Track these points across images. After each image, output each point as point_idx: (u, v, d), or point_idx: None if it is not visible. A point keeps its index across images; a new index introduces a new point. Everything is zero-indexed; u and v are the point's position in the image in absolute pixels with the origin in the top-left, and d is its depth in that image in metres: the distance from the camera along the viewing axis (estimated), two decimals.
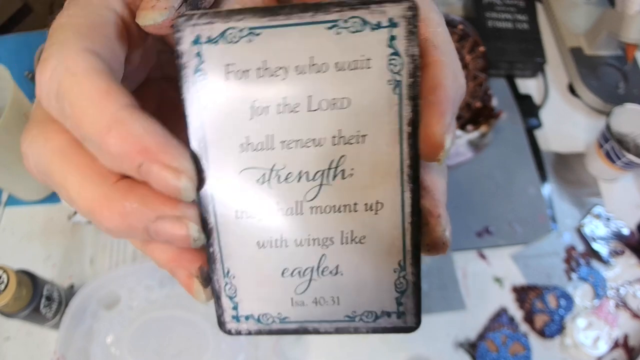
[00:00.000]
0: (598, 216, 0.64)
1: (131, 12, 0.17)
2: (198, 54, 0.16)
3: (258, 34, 0.16)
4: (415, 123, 0.16)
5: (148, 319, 0.52)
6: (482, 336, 0.55)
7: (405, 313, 0.18)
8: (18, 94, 0.52)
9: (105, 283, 0.52)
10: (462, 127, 0.64)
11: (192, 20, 0.16)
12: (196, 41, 0.16)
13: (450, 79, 0.16)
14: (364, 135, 0.17)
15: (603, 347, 0.55)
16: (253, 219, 0.18)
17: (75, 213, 0.60)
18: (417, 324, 0.19)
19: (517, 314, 0.57)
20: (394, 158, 0.17)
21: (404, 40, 0.16)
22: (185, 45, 0.16)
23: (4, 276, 0.44)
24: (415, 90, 0.16)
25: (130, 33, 0.18)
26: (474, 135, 0.62)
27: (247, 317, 0.19)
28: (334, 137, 0.17)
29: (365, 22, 0.16)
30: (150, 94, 0.21)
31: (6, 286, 0.44)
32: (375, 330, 0.19)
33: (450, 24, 0.64)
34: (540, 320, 0.57)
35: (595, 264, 0.61)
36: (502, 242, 0.61)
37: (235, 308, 0.19)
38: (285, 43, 0.16)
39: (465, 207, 0.63)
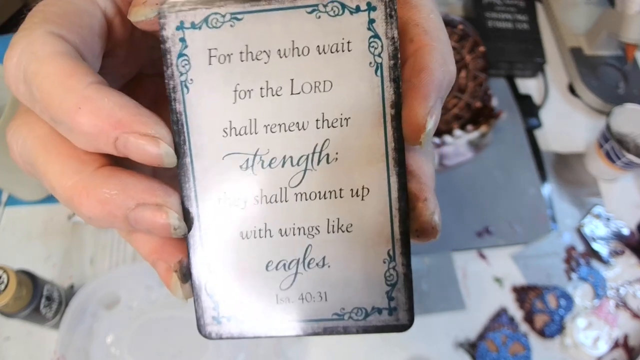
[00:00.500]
0: (598, 216, 0.64)
1: (115, 5, 0.17)
2: (181, 39, 0.17)
3: (240, 19, 0.16)
4: (398, 105, 0.16)
5: (148, 319, 0.52)
6: (482, 336, 0.55)
7: (397, 309, 0.18)
8: None
9: (105, 283, 0.52)
10: (462, 127, 0.64)
11: (176, 7, 0.17)
12: (180, 27, 0.17)
13: (438, 63, 0.16)
14: (348, 119, 0.17)
15: (603, 347, 0.55)
16: (236, 207, 0.17)
17: (75, 213, 0.60)
18: (410, 321, 0.18)
19: (517, 314, 0.57)
20: (378, 141, 0.17)
21: (383, 23, 0.16)
22: (169, 31, 0.17)
23: (4, 276, 0.44)
24: (397, 72, 0.16)
25: (113, 26, 0.18)
26: (474, 135, 0.62)
27: (228, 318, 0.18)
28: (317, 120, 0.17)
29: (344, 6, 0.16)
30: (145, 90, 0.21)
31: (6, 286, 0.44)
32: (366, 330, 0.18)
33: (450, 24, 0.64)
34: (540, 320, 0.57)
35: (595, 264, 0.61)
36: (502, 242, 0.61)
37: (216, 308, 0.18)
38: (267, 27, 0.16)
39: (465, 207, 0.63)
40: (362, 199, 0.17)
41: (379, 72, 0.16)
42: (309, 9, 0.16)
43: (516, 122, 0.69)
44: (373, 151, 0.17)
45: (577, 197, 0.66)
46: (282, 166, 0.17)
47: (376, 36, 0.16)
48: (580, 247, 0.62)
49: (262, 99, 0.17)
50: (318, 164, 0.17)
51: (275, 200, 0.17)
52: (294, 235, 0.17)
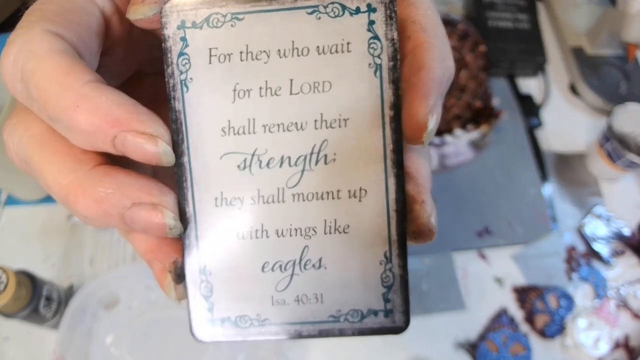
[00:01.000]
0: (599, 216, 0.63)
1: (113, 3, 0.17)
2: (182, 38, 0.17)
3: (241, 19, 0.17)
4: (397, 106, 0.16)
5: (148, 319, 0.52)
6: (482, 336, 0.55)
7: (393, 311, 0.18)
8: None
9: (105, 283, 0.52)
10: (462, 126, 0.63)
11: (177, 6, 0.17)
12: (181, 26, 0.17)
13: (437, 60, 0.16)
14: (346, 119, 0.17)
15: (604, 347, 0.55)
16: (233, 207, 0.17)
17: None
18: (406, 323, 0.18)
19: (518, 314, 0.57)
20: (377, 142, 0.17)
21: (382, 24, 0.16)
22: (170, 30, 0.17)
23: (4, 276, 0.44)
24: (396, 73, 0.16)
25: (111, 25, 0.18)
26: (474, 135, 0.62)
27: (222, 321, 0.18)
28: (315, 120, 0.17)
29: (344, 7, 0.16)
30: (144, 89, 0.21)
31: (6, 286, 0.44)
32: (361, 332, 0.18)
33: (451, 23, 0.64)
34: (540, 320, 0.56)
35: (596, 264, 0.61)
36: (503, 242, 0.61)
37: (210, 310, 0.18)
38: (267, 28, 0.16)
39: (465, 207, 0.63)
40: (360, 200, 0.17)
41: (378, 74, 0.16)
42: (310, 10, 0.16)
43: (517, 121, 0.69)
44: (371, 152, 0.17)
45: (578, 197, 0.65)
46: (280, 166, 0.17)
47: (376, 37, 0.16)
48: (581, 247, 0.62)
49: (261, 99, 0.17)
50: (316, 164, 0.17)
51: (273, 201, 0.17)
52: (290, 236, 0.17)
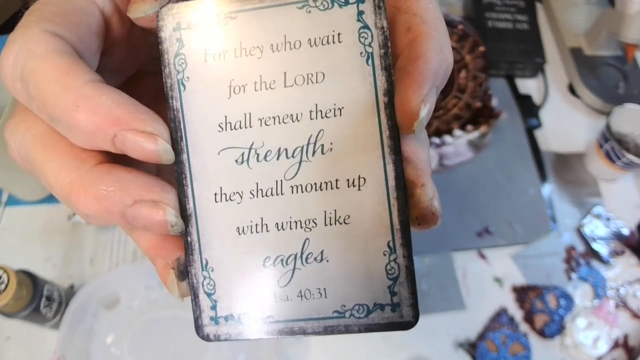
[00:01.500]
0: (598, 216, 0.64)
1: (113, 3, 0.17)
2: (178, 40, 0.17)
3: (234, 18, 0.17)
4: (390, 93, 0.16)
5: (148, 319, 0.52)
6: (482, 336, 0.55)
7: (400, 304, 0.17)
8: None
9: (105, 283, 0.52)
10: (462, 127, 0.64)
11: (173, 9, 0.17)
12: (177, 28, 0.17)
13: (434, 52, 0.16)
14: (341, 108, 0.17)
15: (603, 347, 0.55)
16: (232, 202, 0.17)
17: (75, 213, 0.60)
18: (415, 317, 0.17)
19: (517, 314, 0.57)
20: (373, 130, 0.17)
21: (372, 14, 0.16)
22: (166, 32, 0.17)
23: (4, 276, 0.44)
24: (388, 60, 0.16)
25: (111, 24, 0.18)
26: (474, 135, 0.62)
27: (226, 318, 0.18)
28: (311, 111, 0.17)
29: (333, 0, 0.17)
30: (145, 88, 0.21)
31: (6, 286, 0.44)
32: (368, 328, 0.17)
33: (450, 24, 0.64)
34: (540, 320, 0.57)
35: (595, 264, 0.61)
36: (502, 242, 0.61)
37: (214, 307, 0.18)
38: (259, 24, 0.17)
39: (465, 207, 0.63)
40: (359, 189, 0.17)
41: (370, 62, 0.17)
42: (300, 5, 0.17)
43: (516, 122, 0.69)
44: (368, 140, 0.17)
45: (577, 197, 0.66)
46: (277, 159, 0.17)
47: (366, 27, 0.16)
48: (580, 247, 0.62)
49: (256, 93, 0.17)
50: (313, 155, 0.17)
51: (271, 194, 0.17)
52: (290, 229, 0.17)
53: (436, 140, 0.61)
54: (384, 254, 0.17)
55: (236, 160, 0.17)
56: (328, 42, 0.17)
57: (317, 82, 0.17)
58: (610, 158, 0.62)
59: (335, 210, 0.17)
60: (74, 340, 0.50)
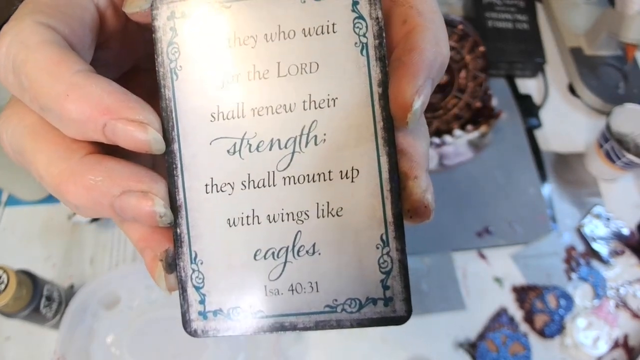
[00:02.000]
0: (598, 216, 0.64)
1: None
2: (172, 29, 0.17)
3: (228, 7, 0.17)
4: (385, 84, 0.16)
5: (148, 319, 0.52)
6: (482, 336, 0.55)
7: (392, 299, 0.17)
8: None
9: (105, 283, 0.52)
10: (462, 127, 0.64)
11: None
12: (170, 17, 0.17)
13: (430, 43, 0.16)
14: (335, 99, 0.17)
15: (603, 347, 0.55)
16: (223, 193, 0.17)
17: (75, 213, 0.60)
18: (408, 312, 0.17)
19: (517, 314, 0.57)
20: (367, 121, 0.16)
21: (366, 4, 0.16)
22: (160, 21, 0.17)
23: (4, 276, 0.44)
24: (382, 51, 0.16)
25: (106, 18, 0.18)
26: (474, 135, 0.62)
27: (215, 313, 0.17)
28: (304, 101, 0.17)
29: None
30: (141, 83, 0.21)
31: (6, 286, 0.44)
32: (360, 323, 0.17)
33: (450, 24, 0.64)
34: (540, 320, 0.57)
35: (595, 264, 0.61)
36: (502, 242, 0.61)
37: (202, 302, 0.17)
38: (254, 13, 0.17)
39: (465, 207, 0.63)
40: (352, 181, 0.17)
41: (364, 52, 0.16)
42: None
43: (516, 122, 0.69)
44: (362, 131, 0.16)
45: (577, 197, 0.66)
46: (270, 149, 0.17)
47: (360, 17, 0.16)
48: (580, 247, 0.62)
49: (250, 83, 0.17)
50: (306, 146, 0.17)
51: (263, 185, 0.17)
52: (282, 221, 0.17)
53: (436, 140, 0.61)
54: (377, 247, 0.17)
55: (228, 151, 0.17)
56: (322, 32, 0.16)
57: (311, 72, 0.17)
58: (610, 158, 0.62)
59: (328, 202, 0.17)
60: (74, 340, 0.50)
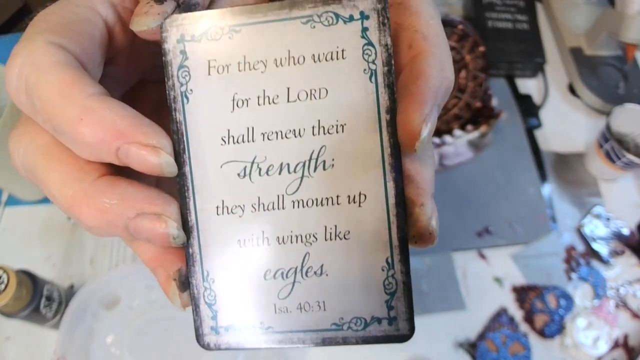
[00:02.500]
0: (598, 216, 0.64)
1: (116, 13, 0.18)
2: (182, 52, 0.17)
3: (238, 31, 0.17)
4: (393, 110, 0.16)
5: (148, 319, 0.52)
6: (482, 336, 0.55)
7: (396, 318, 0.17)
8: None
9: (105, 283, 0.52)
10: (462, 127, 0.64)
11: (177, 20, 0.17)
12: (180, 40, 0.17)
13: (436, 69, 0.16)
14: (343, 125, 0.17)
15: (603, 347, 0.55)
16: (234, 215, 0.17)
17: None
18: (411, 331, 0.17)
19: (517, 314, 0.57)
20: (374, 147, 0.17)
21: (376, 31, 0.16)
22: (170, 44, 0.17)
23: (4, 276, 0.44)
24: (391, 78, 0.16)
25: (114, 34, 0.18)
26: (474, 135, 0.62)
27: (227, 328, 0.18)
28: (313, 127, 0.17)
29: (337, 16, 0.16)
30: (147, 96, 0.21)
31: (6, 286, 0.44)
32: (365, 340, 0.18)
33: (450, 24, 0.64)
34: (540, 320, 0.57)
35: (595, 264, 0.61)
36: (502, 242, 0.61)
37: (214, 318, 0.18)
38: (264, 38, 0.17)
39: (465, 207, 0.63)
40: (360, 206, 0.17)
41: (373, 79, 0.17)
42: (304, 20, 0.17)
43: (516, 122, 0.69)
44: (369, 157, 0.17)
45: (577, 197, 0.66)
46: (279, 173, 0.17)
47: (370, 44, 0.16)
48: (580, 247, 0.62)
49: (260, 107, 0.17)
50: (315, 170, 0.17)
51: (273, 208, 0.17)
52: (291, 243, 0.17)
53: (436, 140, 0.61)
54: (382, 270, 0.17)
55: (238, 174, 0.17)
56: (332, 58, 0.17)
57: (320, 98, 0.17)
58: (610, 158, 0.62)
59: (336, 226, 0.17)
60: (74, 340, 0.50)
